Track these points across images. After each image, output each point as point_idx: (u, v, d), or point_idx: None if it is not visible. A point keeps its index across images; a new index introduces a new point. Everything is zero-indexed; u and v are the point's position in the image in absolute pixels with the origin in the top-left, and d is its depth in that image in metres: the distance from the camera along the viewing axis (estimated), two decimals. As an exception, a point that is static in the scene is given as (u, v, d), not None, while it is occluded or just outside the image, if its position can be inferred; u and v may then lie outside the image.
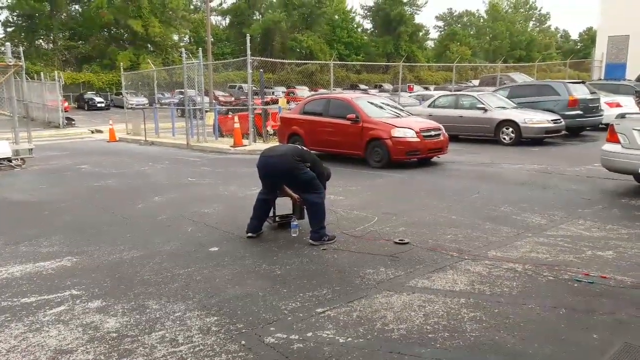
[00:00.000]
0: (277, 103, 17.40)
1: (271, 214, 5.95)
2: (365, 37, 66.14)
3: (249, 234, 5.56)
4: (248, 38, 14.25)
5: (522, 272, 4.32)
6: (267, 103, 17.33)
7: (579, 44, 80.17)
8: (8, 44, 13.24)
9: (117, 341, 3.28)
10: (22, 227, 6.30)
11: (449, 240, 5.26)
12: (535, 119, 13.07)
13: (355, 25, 66.08)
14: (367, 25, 69.30)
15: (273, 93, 33.23)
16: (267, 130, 15.31)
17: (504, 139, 13.29)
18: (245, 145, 14.07)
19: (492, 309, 3.60)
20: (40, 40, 53.26)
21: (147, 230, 6.04)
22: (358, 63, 48.07)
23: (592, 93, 14.83)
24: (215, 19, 62.70)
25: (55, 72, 27.72)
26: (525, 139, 13.07)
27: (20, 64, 12.18)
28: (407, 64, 35.90)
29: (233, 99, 31.99)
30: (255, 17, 63.23)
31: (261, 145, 14.12)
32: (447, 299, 3.79)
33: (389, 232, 5.61)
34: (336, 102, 11.42)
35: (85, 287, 4.23)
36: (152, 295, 4.02)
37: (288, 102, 19.34)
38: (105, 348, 3.19)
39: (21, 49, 15.79)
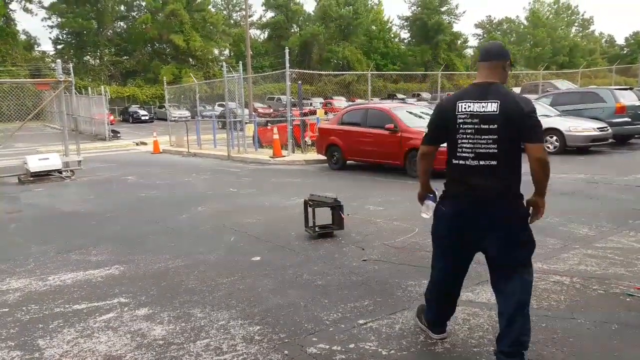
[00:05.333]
0: (315, 114, 17.57)
1: (310, 224, 5.99)
2: (403, 47, 65.91)
3: (439, 335, 3.34)
4: (287, 51, 14.44)
5: (570, 285, 4.19)
6: (305, 114, 17.51)
7: (625, 48, 77.41)
8: (59, 61, 13.88)
9: (164, 348, 3.36)
10: (72, 237, 6.55)
11: (492, 252, 5.15)
12: (581, 127, 12.69)
13: (392, 35, 65.98)
14: (405, 35, 69.12)
15: (311, 104, 33.53)
16: (306, 141, 15.43)
17: (548, 147, 12.93)
18: (284, 156, 14.21)
19: (539, 323, 3.50)
20: (88, 56, 55.63)
21: (191, 239, 6.17)
22: (395, 73, 47.91)
23: (640, 99, 14.29)
24: (254, 32, 63.91)
25: (102, 86, 28.82)
26: (570, 148, 12.70)
27: (70, 79, 12.74)
28: (446, 72, 35.54)
29: (272, 110, 32.44)
30: (293, 30, 64.08)
31: (300, 156, 14.25)
32: (492, 312, 3.71)
33: (431, 243, 5.54)
34: (374, 112, 11.42)
35: (133, 295, 4.36)
36: (196, 303, 4.10)
37: (326, 113, 19.49)
38: (153, 355, 3.28)
39: (70, 65, 16.49)
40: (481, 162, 2.84)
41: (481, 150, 2.83)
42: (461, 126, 2.89)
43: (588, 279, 4.30)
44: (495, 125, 2.78)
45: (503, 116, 2.76)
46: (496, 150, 2.80)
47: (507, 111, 2.76)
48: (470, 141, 2.86)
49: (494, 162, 2.81)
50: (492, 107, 2.79)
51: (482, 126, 2.81)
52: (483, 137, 2.81)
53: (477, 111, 2.83)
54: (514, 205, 2.88)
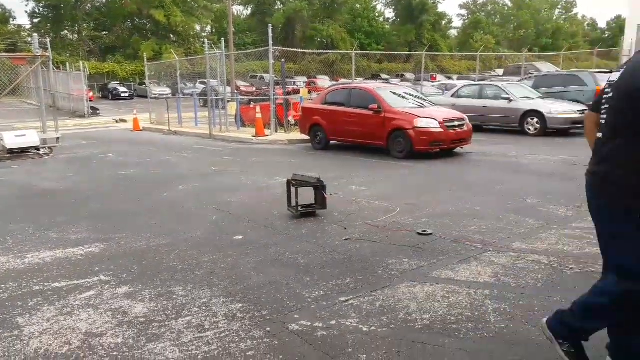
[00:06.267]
0: (299, 93, 17.42)
1: (293, 203, 5.99)
2: (387, 26, 65.54)
3: None
4: (270, 28, 14.24)
5: (548, 264, 4.27)
6: (288, 93, 17.35)
7: (606, 32, 78.11)
8: (35, 35, 13.48)
9: (145, 326, 3.36)
10: (51, 215, 6.45)
11: (472, 232, 5.23)
12: (562, 110, 12.83)
13: (377, 14, 65.53)
14: (389, 14, 68.68)
15: (294, 83, 33.22)
16: (289, 121, 15.34)
17: (529, 129, 13.09)
18: (267, 136, 14.13)
19: (516, 301, 3.58)
20: (66, 31, 54.17)
21: (172, 218, 6.13)
22: (380, 52, 47.77)
23: (620, 83, 14.47)
24: (237, 9, 62.80)
25: (80, 62, 28.13)
26: (551, 130, 12.85)
27: (47, 54, 12.39)
28: (430, 53, 35.46)
29: (254, 89, 32.09)
30: (277, 7, 63.13)
31: (283, 136, 14.18)
32: (470, 290, 3.78)
33: (412, 222, 5.60)
34: (358, 92, 11.37)
35: (113, 273, 4.33)
36: (178, 281, 4.09)
37: (309, 92, 19.35)
38: (134, 332, 3.27)
39: (48, 40, 16.03)
40: (598, 135, 2.50)
41: (602, 122, 2.47)
42: (604, 96, 2.50)
43: (565, 258, 4.39)
44: (609, 95, 2.41)
45: (614, 85, 2.38)
46: (603, 121, 2.45)
47: (619, 82, 2.34)
48: (606, 112, 2.45)
49: (599, 134, 2.48)
50: (616, 76, 2.40)
51: (607, 96, 2.44)
52: (604, 107, 2.45)
53: (612, 80, 2.43)
54: (608, 194, 2.41)
